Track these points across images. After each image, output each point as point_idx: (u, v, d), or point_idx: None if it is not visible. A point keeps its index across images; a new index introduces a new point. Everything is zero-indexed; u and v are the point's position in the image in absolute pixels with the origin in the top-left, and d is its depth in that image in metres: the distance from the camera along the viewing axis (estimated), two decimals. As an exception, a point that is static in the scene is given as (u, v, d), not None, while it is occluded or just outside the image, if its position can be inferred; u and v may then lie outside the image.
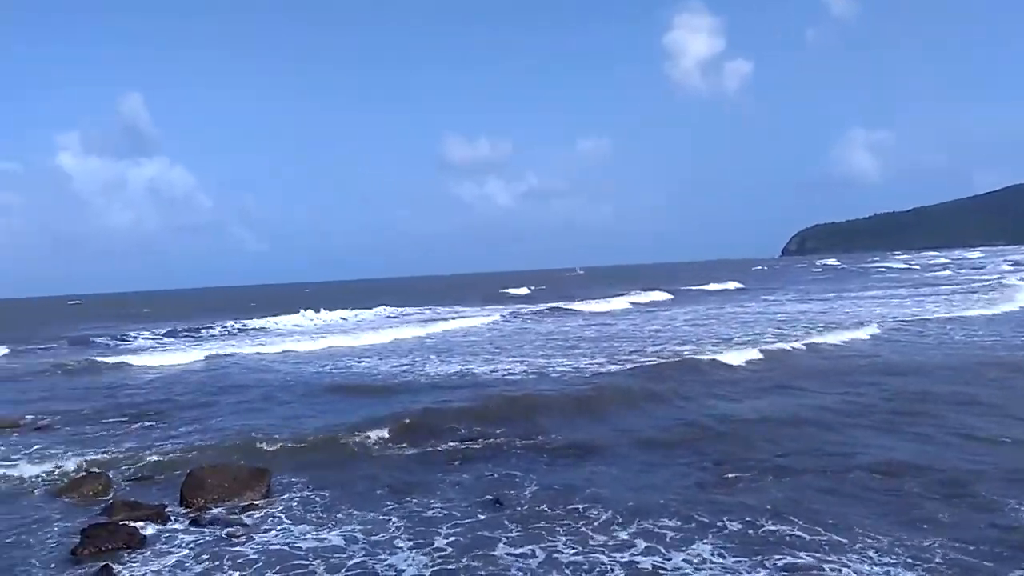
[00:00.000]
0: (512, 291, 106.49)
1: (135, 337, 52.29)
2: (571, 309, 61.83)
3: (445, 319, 55.06)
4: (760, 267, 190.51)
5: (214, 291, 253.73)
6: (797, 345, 30.07)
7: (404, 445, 16.98)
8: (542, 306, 66.13)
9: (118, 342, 49.81)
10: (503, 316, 56.63)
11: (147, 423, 20.92)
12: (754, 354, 27.50)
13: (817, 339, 31.44)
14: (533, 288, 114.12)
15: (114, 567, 10.40)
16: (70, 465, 16.00)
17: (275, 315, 65.22)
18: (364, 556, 10.60)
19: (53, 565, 10.78)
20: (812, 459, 14.31)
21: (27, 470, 15.81)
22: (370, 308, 72.02)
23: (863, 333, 33.30)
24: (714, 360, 26.50)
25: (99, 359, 37.05)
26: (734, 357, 26.84)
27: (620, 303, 66.45)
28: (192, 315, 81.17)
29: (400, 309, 72.84)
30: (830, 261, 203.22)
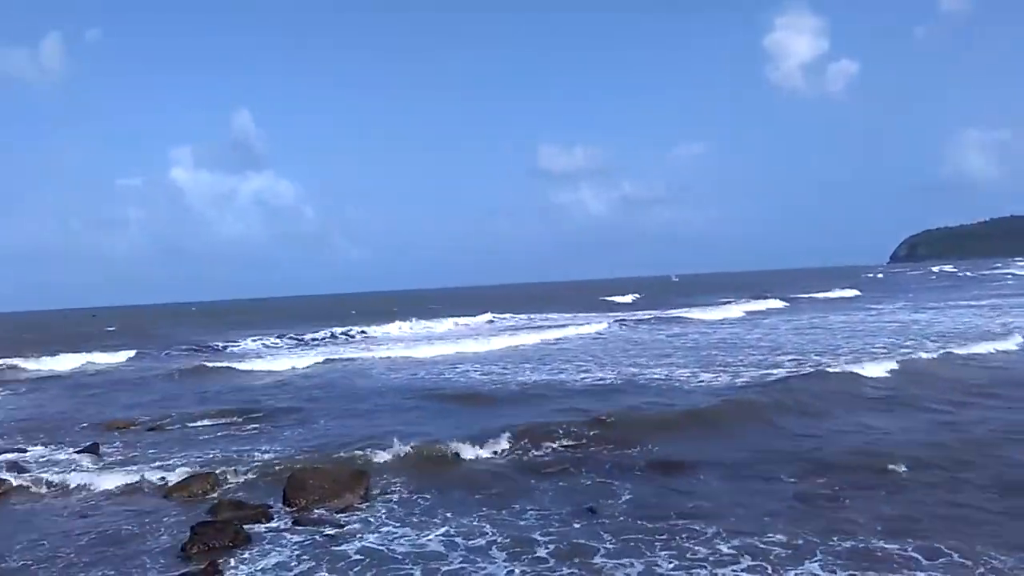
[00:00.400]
0: (616, 299, 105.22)
1: (244, 343, 54.48)
2: (682, 317, 58.83)
3: (552, 327, 54.47)
4: (871, 274, 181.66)
5: (318, 298, 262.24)
6: (936, 356, 27.76)
7: (503, 453, 16.88)
8: (650, 314, 64.71)
9: (229, 347, 52.08)
10: (611, 323, 55.34)
11: (253, 426, 21.66)
12: (891, 365, 25.42)
13: (957, 350, 28.83)
14: (638, 296, 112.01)
15: (221, 564, 10.71)
16: (180, 465, 16.72)
17: (379, 323, 66.32)
18: (462, 562, 10.54)
19: (163, 561, 11.20)
20: (944, 475, 13.40)
21: (140, 469, 16.58)
22: (473, 315, 72.03)
23: (1009, 344, 30.53)
24: (849, 372, 24.61)
25: (210, 364, 38.83)
26: (870, 369, 24.78)
27: (733, 311, 63.34)
28: (298, 322, 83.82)
29: (505, 316, 72.84)
30: (947, 267, 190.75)
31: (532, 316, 73.09)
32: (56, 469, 16.93)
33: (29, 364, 43.38)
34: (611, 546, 10.85)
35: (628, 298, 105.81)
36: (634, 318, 60.87)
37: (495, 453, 16.86)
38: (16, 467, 17.04)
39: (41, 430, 22.46)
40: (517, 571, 10.14)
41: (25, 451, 19.25)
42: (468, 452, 16.88)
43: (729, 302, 74.18)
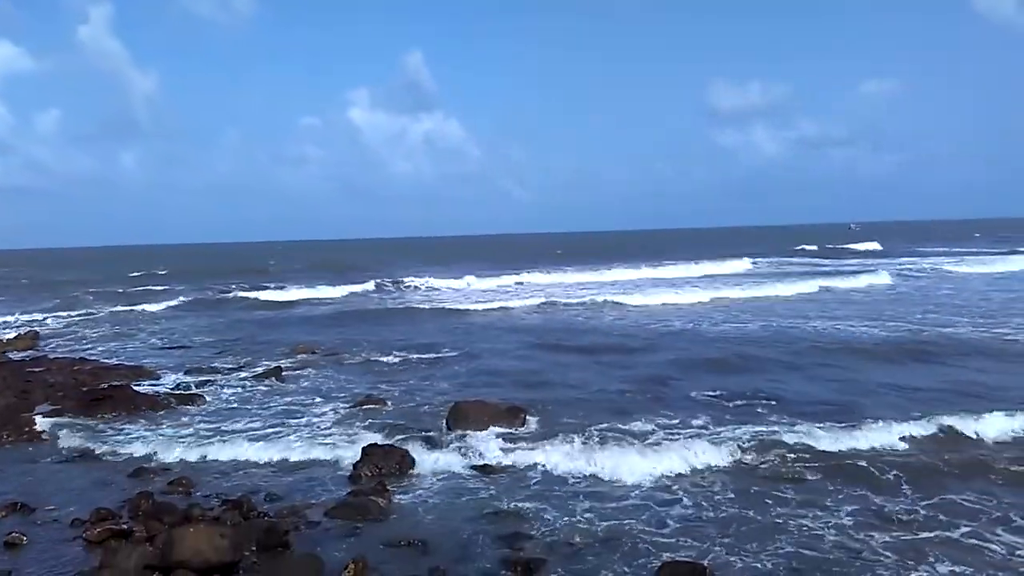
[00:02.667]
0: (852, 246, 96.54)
1: (420, 283, 56.00)
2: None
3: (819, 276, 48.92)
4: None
5: (485, 239, 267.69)
6: None
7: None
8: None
9: (405, 284, 54.26)
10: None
11: (426, 359, 22.89)
12: None
13: None
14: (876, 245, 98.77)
15: (388, 483, 11.57)
16: (355, 390, 18.12)
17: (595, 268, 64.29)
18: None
19: (335, 474, 12.30)
20: None
21: (323, 392, 18.28)
22: (676, 263, 65.68)
23: None
24: None
25: (386, 300, 41.08)
26: None
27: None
28: (481, 263, 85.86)
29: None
30: None
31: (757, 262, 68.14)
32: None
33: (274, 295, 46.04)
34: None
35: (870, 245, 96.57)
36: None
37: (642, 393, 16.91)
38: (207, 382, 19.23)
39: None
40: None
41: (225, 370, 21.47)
42: (621, 392, 16.96)
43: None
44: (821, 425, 13.66)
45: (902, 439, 12.85)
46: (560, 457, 12.55)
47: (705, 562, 8.54)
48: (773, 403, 15.87)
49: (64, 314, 38.51)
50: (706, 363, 20.58)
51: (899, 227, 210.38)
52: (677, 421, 14.53)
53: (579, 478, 11.81)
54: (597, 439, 13.34)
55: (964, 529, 9.55)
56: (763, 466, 12.03)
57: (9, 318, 36.89)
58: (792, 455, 12.33)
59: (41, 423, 15.65)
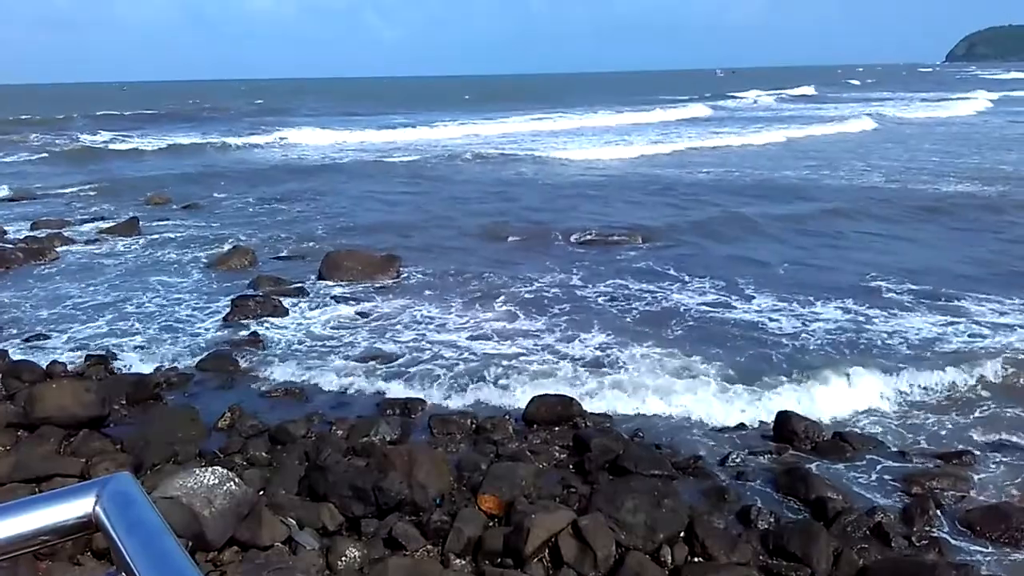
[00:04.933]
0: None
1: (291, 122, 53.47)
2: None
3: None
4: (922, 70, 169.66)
5: (356, 82, 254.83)
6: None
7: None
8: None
9: (261, 130, 51.59)
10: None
11: (287, 206, 22.28)
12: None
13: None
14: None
15: (261, 332, 11.52)
16: (220, 241, 17.52)
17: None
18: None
19: (210, 326, 12.06)
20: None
21: (184, 244, 17.49)
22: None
23: None
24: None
25: (238, 141, 39.01)
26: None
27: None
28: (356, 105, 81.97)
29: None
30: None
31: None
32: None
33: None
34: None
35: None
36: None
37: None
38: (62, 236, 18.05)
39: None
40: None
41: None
42: (471, 233, 17.29)
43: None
44: None
45: None
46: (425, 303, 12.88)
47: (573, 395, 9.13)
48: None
49: None
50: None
51: (768, 73, 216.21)
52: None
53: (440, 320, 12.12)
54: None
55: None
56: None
57: None
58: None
59: None
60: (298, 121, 56.89)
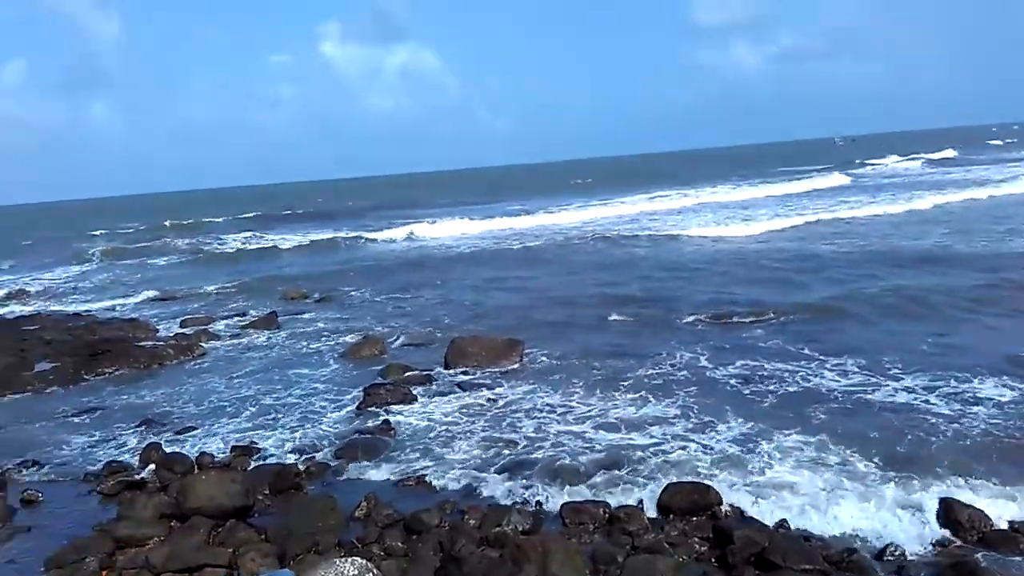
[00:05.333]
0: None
1: (405, 219, 56.20)
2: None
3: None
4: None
5: (467, 172, 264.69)
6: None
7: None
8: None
9: (386, 224, 54.09)
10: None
11: (415, 295, 23.01)
12: None
13: None
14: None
15: (392, 420, 11.77)
16: (352, 331, 18.23)
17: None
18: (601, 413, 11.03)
19: (344, 415, 12.43)
20: None
21: (318, 335, 18.34)
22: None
23: None
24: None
25: (368, 235, 40.99)
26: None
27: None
28: (466, 196, 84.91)
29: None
30: None
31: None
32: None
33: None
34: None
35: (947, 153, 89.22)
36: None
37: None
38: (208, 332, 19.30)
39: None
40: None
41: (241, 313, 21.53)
42: (605, 318, 17.17)
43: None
44: None
45: None
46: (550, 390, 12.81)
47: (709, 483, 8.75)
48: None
49: (55, 270, 38.31)
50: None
51: (889, 138, 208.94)
52: None
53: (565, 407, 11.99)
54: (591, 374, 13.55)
55: None
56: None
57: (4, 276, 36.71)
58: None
59: (42, 380, 15.76)
60: (420, 213, 59.26)
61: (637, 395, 12.24)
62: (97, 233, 64.56)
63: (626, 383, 12.84)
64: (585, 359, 14.46)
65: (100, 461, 10.82)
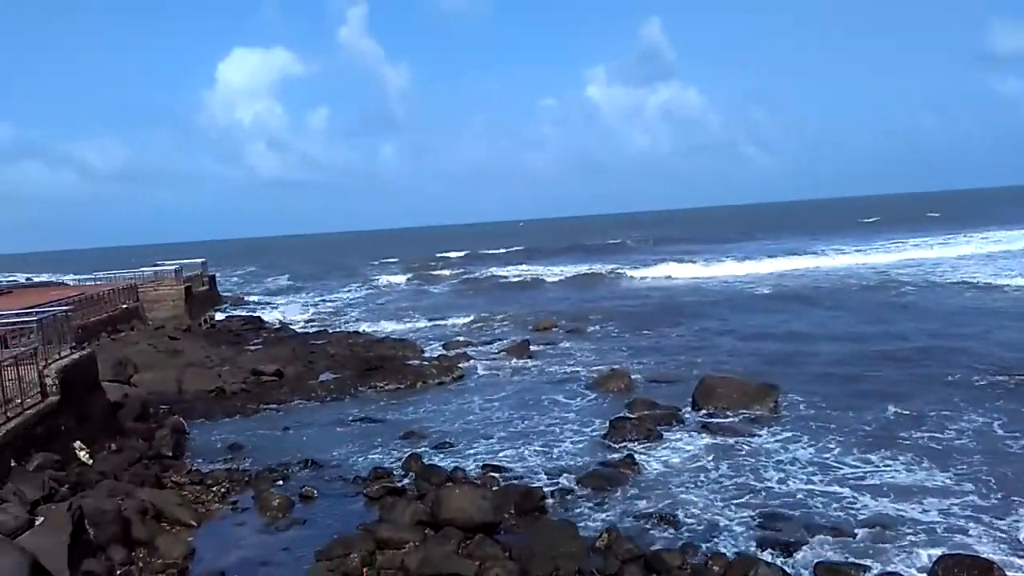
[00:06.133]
0: None
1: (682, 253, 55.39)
2: None
3: None
4: None
5: (728, 209, 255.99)
6: None
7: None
8: None
9: (644, 261, 54.14)
10: None
11: (667, 332, 22.75)
12: None
13: None
14: None
15: (635, 455, 11.65)
16: (600, 364, 18.43)
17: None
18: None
19: (589, 445, 12.58)
20: None
21: (567, 365, 18.78)
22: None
23: None
24: None
25: (628, 271, 41.28)
26: None
27: None
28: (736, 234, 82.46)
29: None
30: None
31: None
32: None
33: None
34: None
35: None
36: None
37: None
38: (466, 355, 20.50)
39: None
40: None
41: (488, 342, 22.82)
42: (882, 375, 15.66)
43: None
44: None
45: None
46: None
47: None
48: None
49: (341, 291, 43.26)
50: None
51: None
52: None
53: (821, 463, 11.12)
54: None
55: None
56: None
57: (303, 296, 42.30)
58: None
59: (324, 388, 17.74)
60: (674, 250, 58.67)
61: (910, 457, 11.04)
62: (377, 263, 71.56)
63: (894, 443, 11.63)
64: (850, 412, 13.37)
65: (367, 467, 11.83)
